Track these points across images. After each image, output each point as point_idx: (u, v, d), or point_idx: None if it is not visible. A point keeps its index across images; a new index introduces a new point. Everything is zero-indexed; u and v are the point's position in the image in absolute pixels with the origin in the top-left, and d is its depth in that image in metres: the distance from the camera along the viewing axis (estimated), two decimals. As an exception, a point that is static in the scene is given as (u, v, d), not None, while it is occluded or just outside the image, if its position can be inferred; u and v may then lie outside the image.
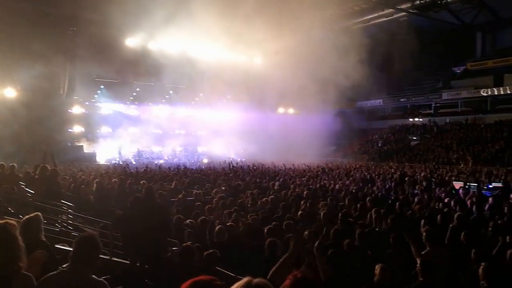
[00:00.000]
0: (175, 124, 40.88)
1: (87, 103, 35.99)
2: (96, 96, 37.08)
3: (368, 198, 10.73)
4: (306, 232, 6.18)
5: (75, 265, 3.11)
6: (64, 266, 3.24)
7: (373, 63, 36.69)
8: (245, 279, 1.79)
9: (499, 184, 16.11)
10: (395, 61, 47.14)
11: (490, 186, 16.77)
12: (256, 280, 1.79)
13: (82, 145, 34.29)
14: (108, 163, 30.89)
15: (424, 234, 6.19)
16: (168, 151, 39.84)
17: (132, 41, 32.77)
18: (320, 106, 38.83)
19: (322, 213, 8.36)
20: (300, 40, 32.96)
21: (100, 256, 6.62)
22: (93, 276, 3.16)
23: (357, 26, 42.30)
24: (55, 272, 3.13)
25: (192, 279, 2.07)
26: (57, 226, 7.57)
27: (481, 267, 4.69)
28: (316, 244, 4.83)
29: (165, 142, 40.02)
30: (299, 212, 8.79)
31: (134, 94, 38.37)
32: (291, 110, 45.44)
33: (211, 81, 35.36)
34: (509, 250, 5.51)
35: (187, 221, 8.05)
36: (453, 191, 13.69)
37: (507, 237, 6.36)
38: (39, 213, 4.27)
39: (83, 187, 12.21)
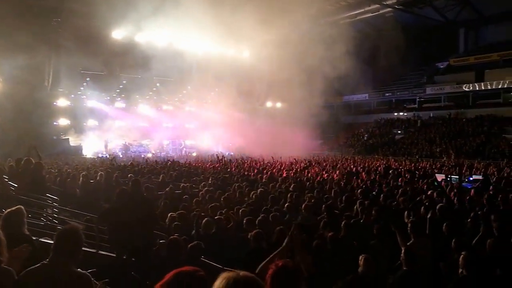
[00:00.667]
0: (162, 117, 40.59)
1: (72, 96, 35.46)
2: (82, 88, 36.53)
3: (359, 190, 10.83)
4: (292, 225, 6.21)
5: (56, 258, 3.07)
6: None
7: (359, 58, 36.81)
8: (231, 274, 1.77)
9: (480, 177, 16.34)
10: (381, 56, 47.38)
11: (471, 178, 17.01)
12: (242, 274, 1.77)
13: (68, 138, 33.84)
14: (94, 157, 30.58)
15: (409, 225, 6.28)
16: (155, 145, 39.57)
17: (118, 33, 32.32)
18: (307, 100, 38.83)
19: (304, 205, 8.39)
20: (288, 35, 32.87)
21: (86, 249, 6.60)
22: (75, 268, 3.12)
23: (344, 21, 42.35)
24: (36, 265, 3.08)
25: (175, 270, 2.06)
26: (42, 220, 7.46)
27: (461, 256, 4.76)
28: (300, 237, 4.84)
29: (152, 135, 39.72)
30: (286, 204, 8.82)
31: (121, 86, 37.90)
32: (278, 104, 45.41)
33: (199, 74, 35.14)
34: (488, 240, 5.60)
35: (175, 213, 8.01)
36: (436, 183, 13.84)
37: (486, 227, 6.49)
38: (21, 207, 4.18)
39: (69, 180, 12.05)
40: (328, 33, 33.04)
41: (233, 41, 36.34)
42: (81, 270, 3.16)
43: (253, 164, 21.21)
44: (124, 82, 37.54)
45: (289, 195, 9.92)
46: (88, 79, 35.99)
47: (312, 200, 9.30)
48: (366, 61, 45.14)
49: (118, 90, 38.45)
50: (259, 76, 36.65)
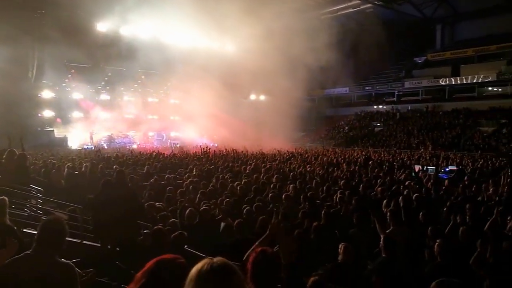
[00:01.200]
0: (147, 109, 40.21)
1: (57, 88, 34.82)
2: (66, 80, 35.88)
3: (339, 181, 10.89)
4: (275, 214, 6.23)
5: (39, 249, 3.03)
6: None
7: (340, 53, 36.97)
8: (207, 260, 1.78)
9: (455, 168, 16.63)
10: (361, 51, 47.67)
11: (447, 169, 17.28)
12: (216, 260, 1.78)
13: (53, 130, 33.28)
14: (80, 148, 30.15)
15: (388, 214, 6.35)
16: (140, 136, 39.21)
17: (103, 26, 31.78)
18: (289, 93, 38.82)
19: (284, 195, 8.41)
20: (270, 29, 32.80)
21: (71, 239, 6.50)
22: (59, 258, 3.08)
23: (325, 16, 42.42)
24: (19, 255, 3.04)
25: (156, 258, 2.07)
26: (26, 211, 7.31)
27: (436, 243, 4.83)
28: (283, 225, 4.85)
29: (137, 127, 39.33)
30: (270, 195, 8.83)
31: (106, 79, 37.37)
32: (262, 97, 45.39)
33: (183, 67, 34.84)
34: (461, 228, 5.69)
35: (159, 204, 7.96)
36: (413, 174, 14.03)
37: (459, 216, 6.61)
38: (4, 198, 4.10)
39: (54, 171, 11.83)
40: (310, 28, 33.07)
41: (217, 35, 36.13)
42: (64, 260, 3.12)
43: (237, 155, 21.17)
44: (109, 74, 37.03)
45: (272, 186, 9.94)
46: (72, 71, 35.38)
47: (294, 191, 9.31)
48: (347, 56, 45.33)
49: (103, 83, 37.92)
50: (243, 69, 36.47)
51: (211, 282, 1.70)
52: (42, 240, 3.06)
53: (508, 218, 6.15)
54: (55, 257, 3.05)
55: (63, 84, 35.58)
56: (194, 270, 1.75)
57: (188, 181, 10.66)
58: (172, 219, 6.67)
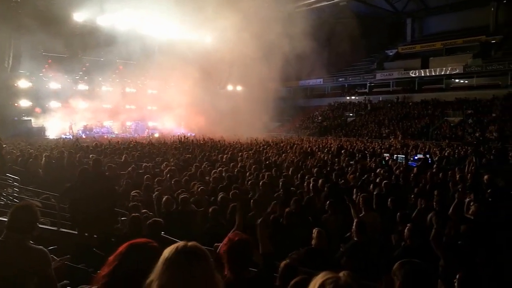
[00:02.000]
0: (125, 99, 39.53)
1: (34, 77, 33.79)
2: (44, 70, 34.86)
3: (313, 169, 10.96)
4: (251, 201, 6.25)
5: (10, 234, 2.99)
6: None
7: (315, 45, 37.09)
8: (181, 243, 1.79)
9: (422, 156, 16.99)
10: (335, 43, 48.01)
11: (416, 157, 17.64)
12: (189, 243, 1.80)
13: (31, 120, 32.38)
14: (58, 138, 29.48)
15: (360, 200, 6.45)
16: (118, 126, 38.59)
17: (80, 16, 30.95)
18: (265, 84, 38.74)
19: (261, 183, 8.43)
20: (247, 20, 32.61)
21: (47, 227, 6.36)
22: (31, 244, 3.03)
23: (300, 9, 42.35)
24: None
25: (128, 242, 2.07)
26: (2, 199, 7.13)
27: (407, 227, 4.92)
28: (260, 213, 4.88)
29: (115, 117, 38.66)
30: (248, 182, 8.84)
31: (84, 69, 36.52)
32: (239, 87, 45.21)
33: (161, 57, 34.41)
34: (429, 214, 5.82)
35: (135, 192, 7.86)
36: (384, 162, 14.27)
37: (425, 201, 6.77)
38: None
39: (31, 161, 11.53)
40: (285, 20, 33.05)
41: (194, 25, 35.70)
42: (36, 245, 3.06)
43: (214, 144, 21.08)
44: (87, 64, 36.24)
45: (248, 174, 9.94)
46: (49, 61, 34.42)
47: (270, 178, 9.33)
48: (321, 48, 45.53)
49: (81, 73, 37.05)
50: (220, 59, 36.28)
51: (181, 264, 1.71)
52: (12, 225, 3.02)
53: (471, 203, 6.32)
54: (26, 242, 3.01)
55: (40, 74, 34.52)
56: (165, 252, 1.76)
57: (167, 169, 10.56)
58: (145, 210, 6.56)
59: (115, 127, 38.34)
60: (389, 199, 6.89)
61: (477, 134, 29.14)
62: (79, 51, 33.43)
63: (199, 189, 7.89)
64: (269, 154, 16.16)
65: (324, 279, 1.60)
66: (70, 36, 30.12)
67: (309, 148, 19.27)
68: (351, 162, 13.64)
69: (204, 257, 1.77)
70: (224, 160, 13.69)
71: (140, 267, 1.86)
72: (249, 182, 8.82)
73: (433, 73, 40.63)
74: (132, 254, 2.01)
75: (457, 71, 38.50)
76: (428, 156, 16.33)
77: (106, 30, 30.89)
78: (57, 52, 32.41)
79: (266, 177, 9.32)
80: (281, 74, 39.18)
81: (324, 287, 1.57)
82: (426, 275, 2.45)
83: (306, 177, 9.34)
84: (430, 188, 8.48)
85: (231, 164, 12.10)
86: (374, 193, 7.69)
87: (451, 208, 5.81)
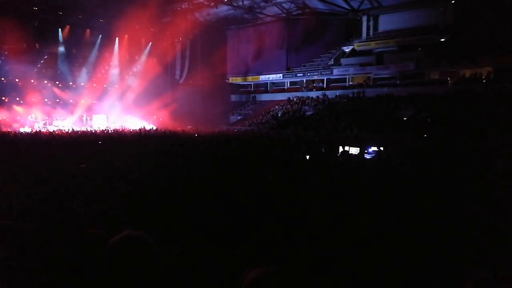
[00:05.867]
0: (85, 92, 38.47)
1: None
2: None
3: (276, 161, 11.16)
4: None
5: None
6: None
7: (274, 41, 37.52)
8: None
9: (376, 148, 17.66)
10: (294, 40, 48.80)
11: (370, 150, 18.30)
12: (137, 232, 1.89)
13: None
14: (15, 131, 28.34)
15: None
16: (77, 119, 37.53)
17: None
18: (227, 78, 38.90)
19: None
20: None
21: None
22: None
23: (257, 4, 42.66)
24: None
25: None
26: None
27: None
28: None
29: (75, 110, 37.59)
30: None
31: (42, 61, 35.23)
32: (200, 82, 45.07)
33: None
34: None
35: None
36: (339, 155, 14.75)
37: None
38: None
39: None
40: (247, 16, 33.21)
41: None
42: None
43: (175, 137, 20.99)
44: (45, 57, 35.02)
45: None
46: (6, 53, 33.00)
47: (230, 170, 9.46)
48: (281, 44, 46.08)
49: (38, 65, 35.71)
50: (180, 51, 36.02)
51: (120, 250, 1.80)
52: None
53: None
54: None
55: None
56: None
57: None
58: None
59: (73, 120, 37.15)
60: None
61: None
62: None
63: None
64: (232, 147, 16.27)
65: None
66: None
67: (269, 141, 19.53)
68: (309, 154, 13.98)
69: (147, 244, 1.91)
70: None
71: None
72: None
73: (387, 70, 42.09)
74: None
75: (410, 67, 40.02)
76: (379, 149, 16.97)
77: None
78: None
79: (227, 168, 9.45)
80: (242, 69, 39.41)
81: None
82: None
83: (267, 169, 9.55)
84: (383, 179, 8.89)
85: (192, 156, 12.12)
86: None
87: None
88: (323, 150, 14.89)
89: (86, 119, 37.10)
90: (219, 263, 2.51)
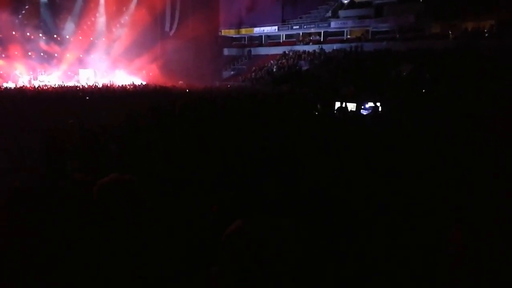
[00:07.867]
0: (71, 45, 37.58)
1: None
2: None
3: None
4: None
5: None
6: None
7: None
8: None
9: (372, 104, 17.60)
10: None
11: (367, 106, 18.24)
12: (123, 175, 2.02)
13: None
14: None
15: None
16: (64, 75, 36.89)
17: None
18: (220, 31, 37.90)
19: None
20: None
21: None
22: None
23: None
24: None
25: None
26: None
27: None
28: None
29: (60, 64, 36.86)
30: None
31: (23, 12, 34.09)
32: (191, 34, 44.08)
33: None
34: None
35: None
36: (335, 111, 14.70)
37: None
38: None
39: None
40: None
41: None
42: None
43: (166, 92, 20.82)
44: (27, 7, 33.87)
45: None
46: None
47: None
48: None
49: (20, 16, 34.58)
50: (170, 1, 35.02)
51: (110, 190, 1.93)
52: None
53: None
54: None
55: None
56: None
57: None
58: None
59: (60, 76, 36.48)
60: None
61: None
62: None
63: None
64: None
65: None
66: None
67: (263, 97, 19.37)
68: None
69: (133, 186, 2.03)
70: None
71: None
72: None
73: (386, 23, 41.27)
74: None
75: (410, 20, 39.27)
76: (376, 105, 16.90)
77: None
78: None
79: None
80: (235, 20, 38.38)
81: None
82: None
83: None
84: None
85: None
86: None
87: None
88: (318, 107, 14.79)
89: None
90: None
